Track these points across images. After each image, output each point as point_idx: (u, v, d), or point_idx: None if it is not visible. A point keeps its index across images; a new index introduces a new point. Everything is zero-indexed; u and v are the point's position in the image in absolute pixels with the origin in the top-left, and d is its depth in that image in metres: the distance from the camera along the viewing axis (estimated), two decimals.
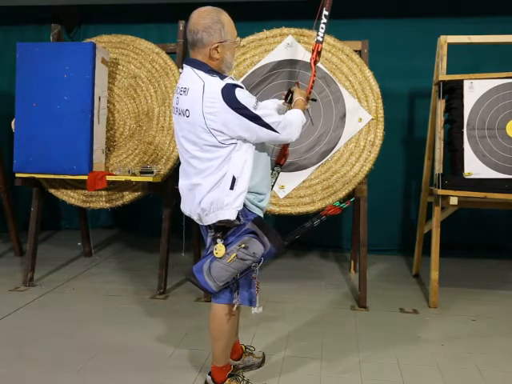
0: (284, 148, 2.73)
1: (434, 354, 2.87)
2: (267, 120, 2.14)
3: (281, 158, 2.74)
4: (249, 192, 2.19)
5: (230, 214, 2.14)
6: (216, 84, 2.09)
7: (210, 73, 2.13)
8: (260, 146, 2.26)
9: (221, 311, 2.31)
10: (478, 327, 3.30)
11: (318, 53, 2.88)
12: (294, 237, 2.25)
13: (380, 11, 4.99)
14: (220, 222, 2.16)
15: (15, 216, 4.98)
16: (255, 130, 2.12)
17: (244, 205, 2.18)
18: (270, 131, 2.16)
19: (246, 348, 2.74)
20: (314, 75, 2.86)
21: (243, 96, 2.09)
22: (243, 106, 2.07)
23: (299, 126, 2.30)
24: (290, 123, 2.24)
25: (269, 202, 2.38)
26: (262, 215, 2.30)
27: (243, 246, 2.14)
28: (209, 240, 2.29)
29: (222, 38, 2.14)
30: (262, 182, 2.29)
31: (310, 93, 2.76)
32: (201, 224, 2.28)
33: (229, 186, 2.13)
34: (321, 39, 2.88)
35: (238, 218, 2.17)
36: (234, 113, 2.07)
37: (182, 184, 2.30)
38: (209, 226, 2.23)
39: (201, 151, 2.16)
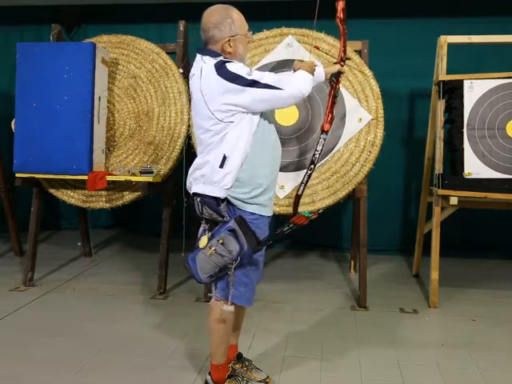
0: (327, 113, 2.70)
1: (434, 354, 2.87)
2: (264, 81, 2.13)
3: (325, 124, 2.70)
4: (239, 187, 2.19)
5: (219, 192, 2.17)
6: (210, 62, 2.16)
7: (215, 57, 2.18)
8: (260, 135, 2.22)
9: (214, 307, 2.33)
10: (477, 327, 3.30)
11: (342, 10, 2.71)
12: (267, 242, 2.26)
13: (380, 11, 5.00)
14: (208, 197, 2.18)
15: (15, 216, 4.98)
16: (256, 94, 2.12)
17: (233, 204, 2.21)
18: (272, 90, 2.13)
19: (245, 360, 2.58)
20: (345, 33, 2.71)
21: (235, 67, 2.13)
22: (236, 75, 2.10)
23: (306, 80, 2.24)
24: (294, 78, 2.22)
25: (270, 199, 2.34)
26: (265, 213, 2.30)
27: (221, 241, 2.17)
28: (200, 230, 2.31)
29: (233, 32, 2.20)
30: (259, 174, 2.24)
31: (344, 52, 2.65)
32: (190, 192, 2.30)
33: (218, 164, 2.16)
34: None
35: (225, 214, 2.19)
36: (230, 84, 2.10)
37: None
38: (202, 217, 2.25)
39: (203, 132, 2.22)
